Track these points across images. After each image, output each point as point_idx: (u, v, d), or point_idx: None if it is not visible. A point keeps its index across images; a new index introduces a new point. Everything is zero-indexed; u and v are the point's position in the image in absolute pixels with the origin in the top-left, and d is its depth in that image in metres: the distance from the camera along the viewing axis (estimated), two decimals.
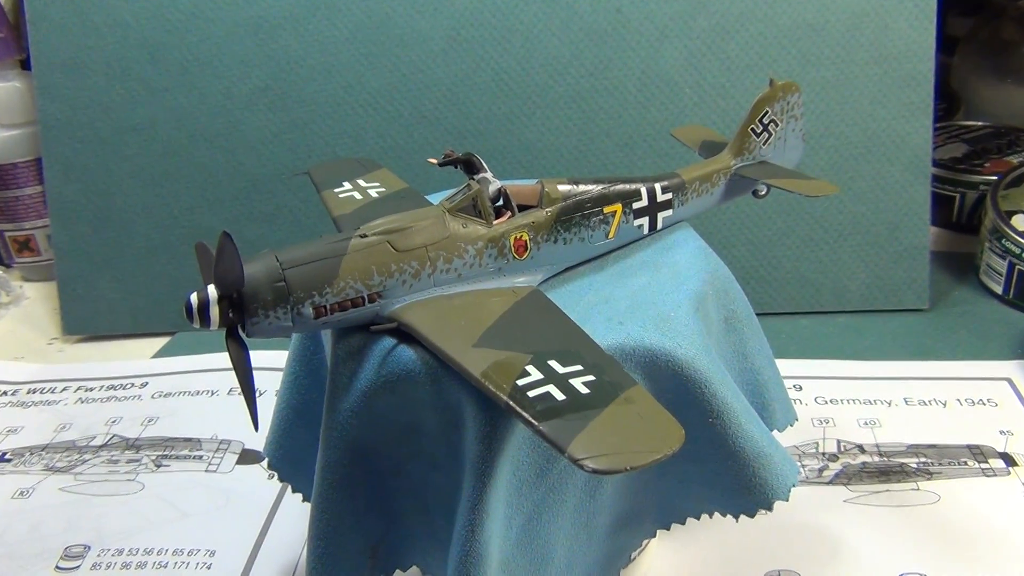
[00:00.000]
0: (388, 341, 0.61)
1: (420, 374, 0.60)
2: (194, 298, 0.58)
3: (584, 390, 0.53)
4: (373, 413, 0.61)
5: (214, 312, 0.57)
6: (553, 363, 0.55)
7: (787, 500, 0.66)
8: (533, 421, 0.51)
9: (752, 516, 0.67)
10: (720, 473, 0.65)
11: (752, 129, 0.76)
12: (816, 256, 1.19)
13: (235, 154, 1.21)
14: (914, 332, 1.15)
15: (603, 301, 0.66)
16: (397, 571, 0.68)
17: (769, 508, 0.66)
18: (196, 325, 0.58)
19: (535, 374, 0.54)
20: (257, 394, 1.08)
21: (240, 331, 0.59)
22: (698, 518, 0.71)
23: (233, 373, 0.59)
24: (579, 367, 0.55)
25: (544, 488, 0.63)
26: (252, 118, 1.20)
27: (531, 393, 0.53)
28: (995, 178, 1.28)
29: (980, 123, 1.48)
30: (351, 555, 0.64)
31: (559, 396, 0.52)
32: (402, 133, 1.19)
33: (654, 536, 0.72)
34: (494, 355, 0.56)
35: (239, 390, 0.59)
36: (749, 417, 0.66)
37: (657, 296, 0.66)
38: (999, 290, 1.20)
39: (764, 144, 0.77)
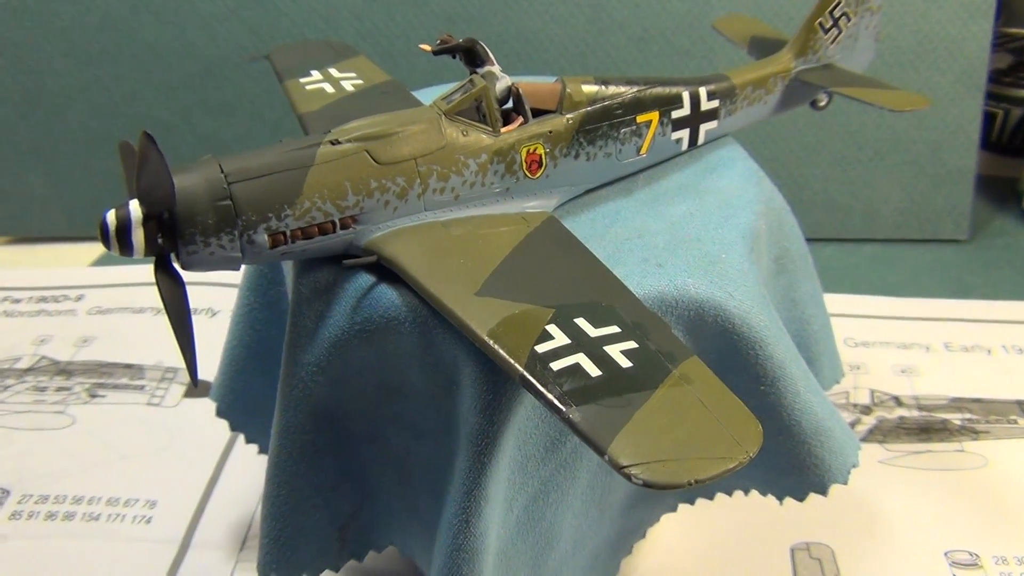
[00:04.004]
0: (365, 279, 0.50)
1: (404, 322, 0.49)
2: (111, 216, 0.46)
3: (625, 363, 0.41)
4: (344, 369, 0.51)
5: (137, 236, 0.45)
6: (581, 322, 0.44)
7: (846, 483, 0.55)
8: (559, 405, 0.39)
9: (802, 500, 0.56)
10: (769, 450, 0.54)
11: (820, 23, 0.63)
12: (847, 176, 1.09)
13: (186, 31, 1.09)
14: (952, 265, 1.07)
15: (636, 235, 0.54)
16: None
17: (824, 492, 0.56)
18: (115, 252, 0.46)
19: (559, 337, 0.43)
20: (210, 316, 0.97)
21: (173, 261, 0.47)
22: (730, 494, 0.61)
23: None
24: (616, 328, 0.44)
25: (554, 464, 0.52)
26: None
27: (555, 364, 0.41)
28: None
29: None
30: (315, 537, 0.54)
31: (592, 371, 0.41)
32: (381, 15, 1.08)
33: (675, 510, 0.62)
34: (504, 308, 0.45)
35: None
36: (808, 384, 0.55)
37: (702, 231, 0.55)
38: None
39: (831, 43, 0.64)
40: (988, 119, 1.22)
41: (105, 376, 0.89)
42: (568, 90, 0.54)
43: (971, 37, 1.04)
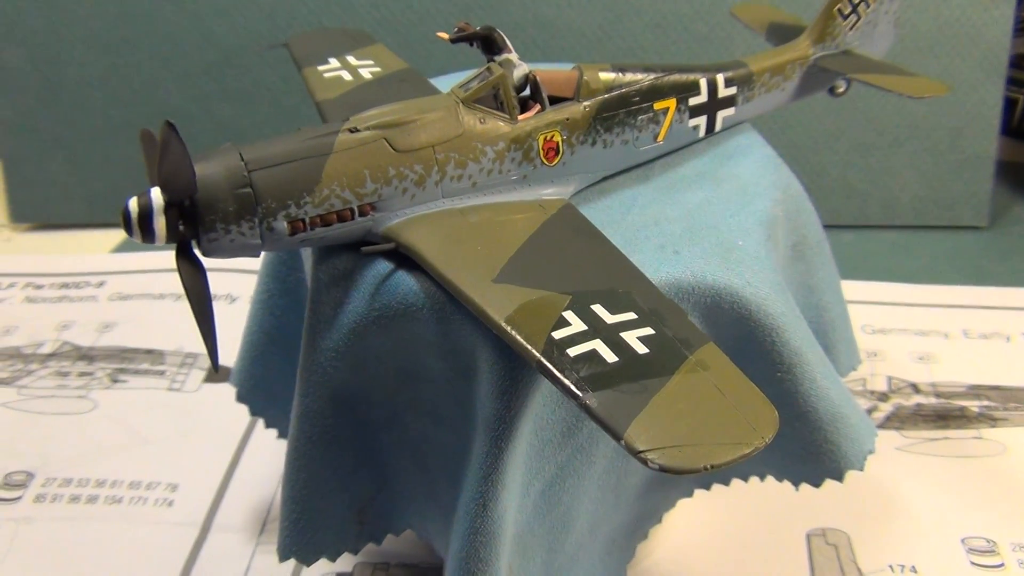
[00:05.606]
0: (383, 265, 0.50)
1: (422, 309, 0.49)
2: (133, 204, 0.46)
3: (642, 349, 0.41)
4: (362, 355, 0.51)
5: (159, 223, 0.46)
6: (598, 308, 0.44)
7: (862, 470, 0.55)
8: (576, 391, 0.40)
9: (817, 486, 0.56)
10: (784, 436, 0.54)
11: (839, 9, 0.62)
12: (865, 163, 1.08)
13: (204, 20, 1.09)
14: (971, 252, 1.06)
15: (652, 222, 0.54)
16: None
17: (839, 479, 0.56)
18: (136, 238, 0.46)
19: (576, 323, 0.43)
20: (230, 302, 0.98)
21: (194, 248, 0.48)
22: (746, 480, 0.61)
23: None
24: (632, 315, 0.44)
25: (571, 449, 0.52)
26: None
27: (572, 351, 0.41)
28: None
29: None
30: (334, 520, 0.55)
31: (609, 357, 0.41)
32: (399, 3, 1.07)
33: (691, 495, 0.62)
34: (521, 294, 0.45)
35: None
36: (825, 371, 0.54)
37: (719, 218, 0.54)
38: None
39: (850, 29, 0.63)
40: (1009, 105, 1.21)
41: (126, 361, 0.89)
42: (585, 77, 0.54)
43: (992, 22, 1.02)
